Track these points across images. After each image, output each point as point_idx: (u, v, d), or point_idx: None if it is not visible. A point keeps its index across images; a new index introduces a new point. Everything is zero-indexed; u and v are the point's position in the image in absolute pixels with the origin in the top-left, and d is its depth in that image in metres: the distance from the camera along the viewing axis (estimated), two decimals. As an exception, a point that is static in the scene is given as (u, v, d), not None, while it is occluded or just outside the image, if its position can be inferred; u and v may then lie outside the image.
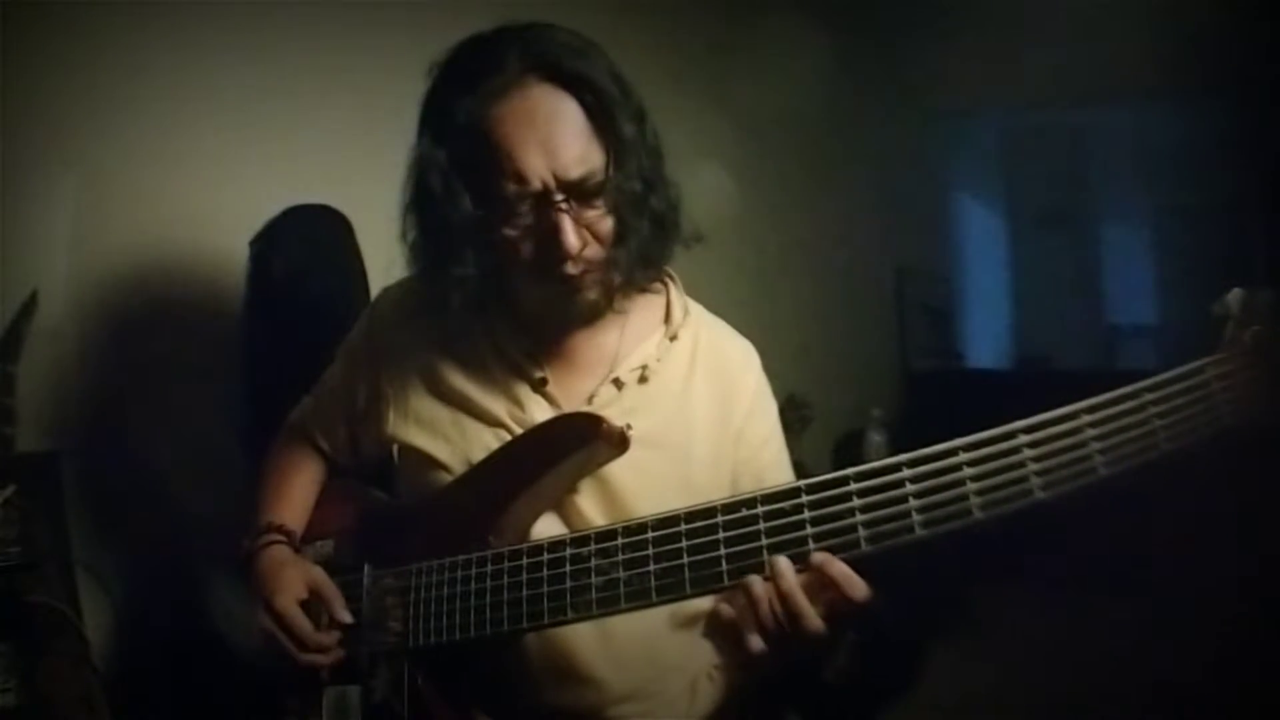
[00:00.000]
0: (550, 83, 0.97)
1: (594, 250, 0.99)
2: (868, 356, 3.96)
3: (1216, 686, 2.12)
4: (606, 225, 0.99)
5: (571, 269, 0.98)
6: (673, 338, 1.12)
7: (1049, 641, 2.71)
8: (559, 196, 0.95)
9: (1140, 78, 3.85)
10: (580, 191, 0.96)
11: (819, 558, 0.83)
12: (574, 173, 0.95)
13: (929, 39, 3.97)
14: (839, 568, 0.83)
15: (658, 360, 1.10)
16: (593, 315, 1.05)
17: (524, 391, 1.08)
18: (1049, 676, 2.47)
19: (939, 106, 4.38)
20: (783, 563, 0.84)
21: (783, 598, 0.84)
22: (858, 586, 0.83)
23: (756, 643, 0.86)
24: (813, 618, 0.84)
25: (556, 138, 0.95)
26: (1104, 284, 5.13)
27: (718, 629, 0.91)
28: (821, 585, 0.84)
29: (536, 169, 0.94)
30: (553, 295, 1.02)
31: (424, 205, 1.01)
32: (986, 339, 5.10)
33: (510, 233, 0.98)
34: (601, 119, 0.98)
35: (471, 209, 0.97)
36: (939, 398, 3.60)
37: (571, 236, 0.96)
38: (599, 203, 0.98)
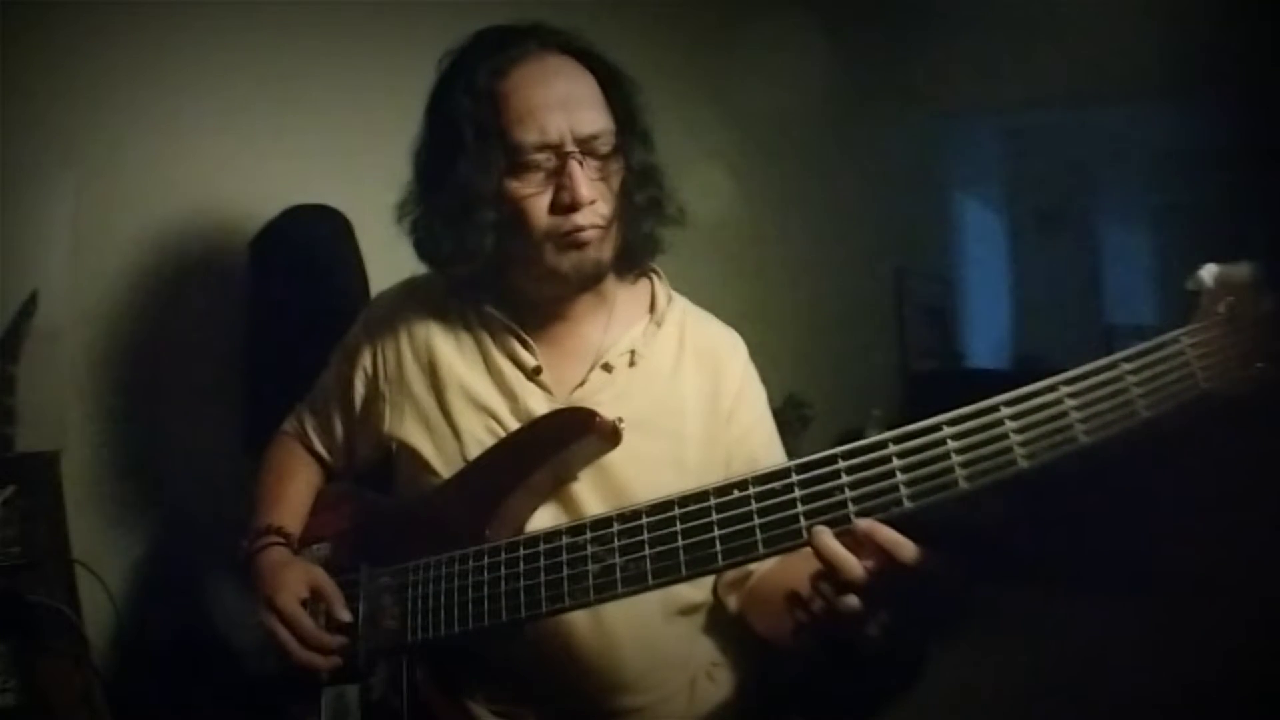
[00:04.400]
0: (565, 55, 1.07)
1: (602, 207, 1.04)
2: (868, 356, 3.96)
3: (1216, 684, 2.13)
4: (613, 187, 1.06)
5: (581, 219, 1.02)
6: (659, 324, 1.15)
7: (1049, 640, 2.71)
8: (573, 148, 1.02)
9: (1140, 78, 3.85)
10: (592, 149, 1.04)
11: (864, 525, 0.80)
12: (588, 129, 1.03)
13: (929, 39, 3.96)
14: (885, 533, 0.80)
15: (645, 344, 1.13)
16: (596, 277, 1.09)
17: (518, 380, 1.10)
18: (1049, 675, 2.47)
19: (939, 106, 4.38)
20: (865, 523, 0.80)
21: (878, 548, 0.80)
22: (905, 548, 0.80)
23: (852, 601, 0.81)
24: (909, 548, 0.79)
25: (573, 98, 1.03)
26: (1104, 284, 5.13)
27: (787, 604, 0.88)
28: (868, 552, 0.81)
29: (555, 122, 1.01)
30: (560, 254, 1.04)
31: (451, 156, 1.04)
32: (986, 339, 5.10)
33: (524, 187, 1.03)
34: (610, 90, 1.07)
35: (500, 158, 1.02)
36: (939, 398, 3.58)
37: (584, 185, 1.02)
38: (607, 165, 1.05)
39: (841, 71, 3.45)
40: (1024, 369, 4.79)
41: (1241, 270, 0.76)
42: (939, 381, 4.19)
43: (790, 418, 2.84)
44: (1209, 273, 0.78)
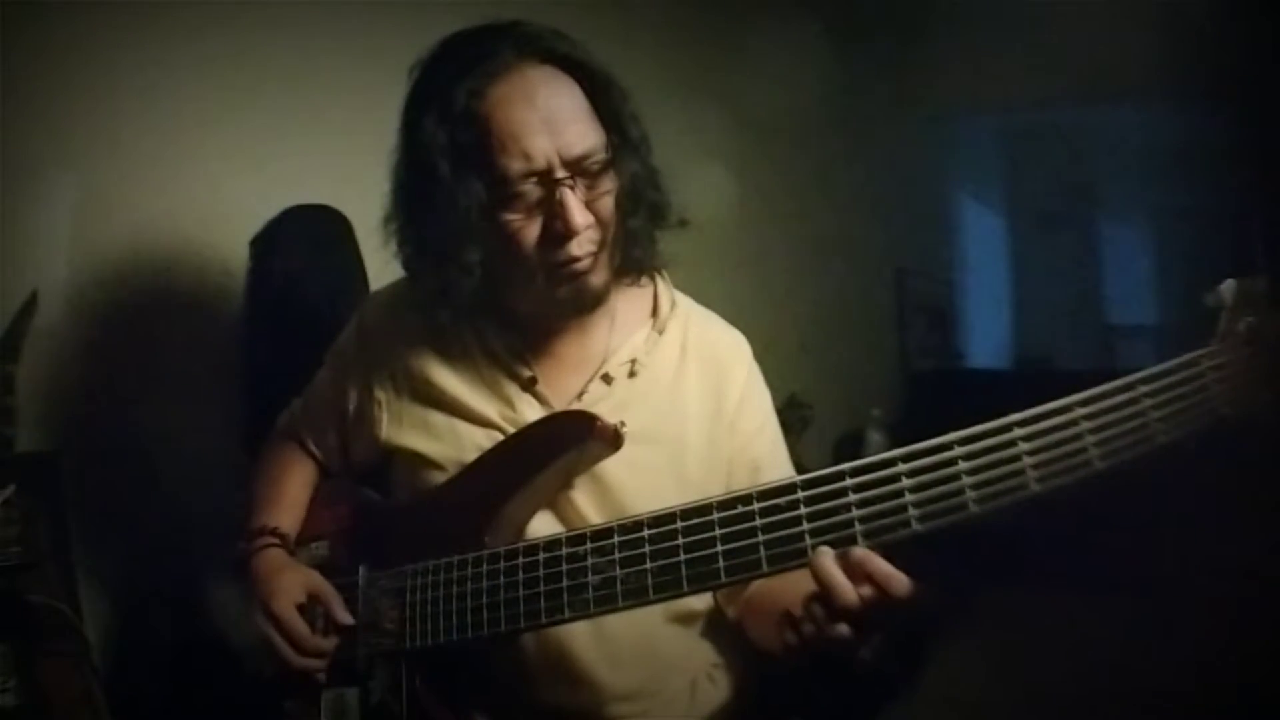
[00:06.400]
0: (546, 64, 0.99)
1: (596, 232, 0.99)
2: (868, 356, 3.96)
3: (1216, 686, 2.12)
4: (608, 206, 1.00)
5: (576, 249, 0.97)
6: (660, 331, 1.12)
7: (1048, 641, 2.70)
8: (563, 173, 0.95)
9: (1140, 78, 3.85)
10: (582, 169, 0.97)
11: (859, 554, 0.80)
12: (577, 149, 0.96)
13: (928, 39, 3.96)
14: (878, 565, 0.80)
15: (646, 354, 1.10)
16: (595, 304, 1.04)
17: (514, 391, 1.08)
18: (1049, 677, 2.47)
19: (939, 106, 4.38)
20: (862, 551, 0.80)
21: (869, 576, 0.79)
22: (898, 582, 0.79)
23: (843, 629, 0.81)
24: (901, 580, 0.79)
25: (558, 116, 0.96)
26: (1104, 284, 5.13)
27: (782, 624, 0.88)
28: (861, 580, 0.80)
29: (541, 147, 0.94)
30: (556, 286, 1.00)
31: (429, 191, 0.98)
32: (986, 339, 5.09)
33: (512, 218, 0.97)
34: (597, 99, 1.00)
35: (483, 191, 0.96)
36: (939, 398, 3.59)
37: (577, 213, 0.96)
38: (599, 183, 0.99)
39: (842, 71, 3.45)
40: (1024, 369, 4.79)
41: (1261, 286, 0.74)
42: (939, 381, 4.18)
43: (791, 418, 2.84)
44: (1229, 289, 0.75)
